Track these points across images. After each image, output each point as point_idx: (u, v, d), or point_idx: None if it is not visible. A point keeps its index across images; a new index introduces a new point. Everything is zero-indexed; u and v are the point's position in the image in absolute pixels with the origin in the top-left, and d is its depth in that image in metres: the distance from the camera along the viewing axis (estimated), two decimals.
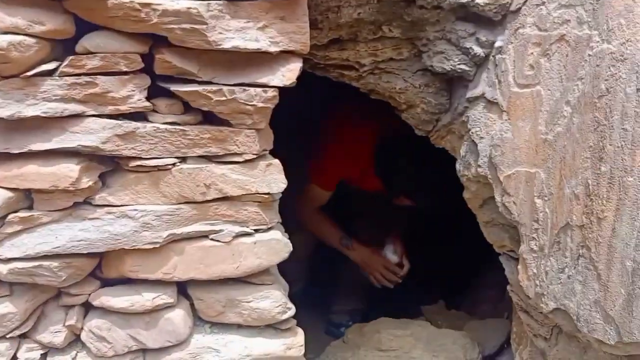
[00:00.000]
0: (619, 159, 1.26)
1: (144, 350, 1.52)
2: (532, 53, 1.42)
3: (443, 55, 1.59)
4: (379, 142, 2.34)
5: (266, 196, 1.48)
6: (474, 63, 1.58)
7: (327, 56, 1.71)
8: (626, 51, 1.23)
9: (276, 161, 1.49)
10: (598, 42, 1.28)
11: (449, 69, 1.59)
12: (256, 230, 1.51)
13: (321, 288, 2.85)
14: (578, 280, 1.40)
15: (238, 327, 1.57)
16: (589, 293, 1.37)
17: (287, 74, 1.40)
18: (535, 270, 1.52)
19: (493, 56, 1.52)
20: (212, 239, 1.48)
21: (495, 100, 1.52)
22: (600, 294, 1.34)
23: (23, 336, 1.44)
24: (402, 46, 1.66)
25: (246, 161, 1.45)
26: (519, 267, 1.58)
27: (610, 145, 1.28)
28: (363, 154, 2.34)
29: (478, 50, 1.54)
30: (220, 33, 1.32)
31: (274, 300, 1.54)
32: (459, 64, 1.58)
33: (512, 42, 1.46)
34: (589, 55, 1.30)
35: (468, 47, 1.55)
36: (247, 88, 1.38)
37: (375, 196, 2.65)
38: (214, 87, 1.37)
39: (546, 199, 1.45)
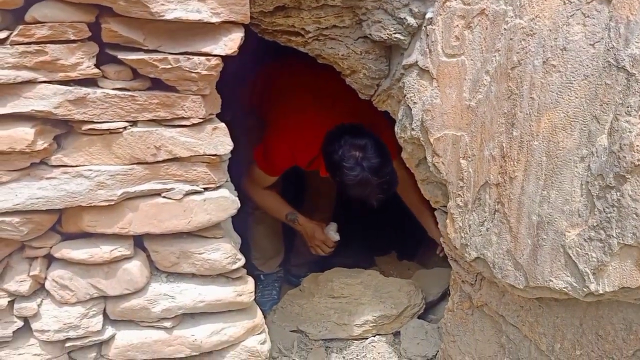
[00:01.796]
0: (527, 125, 1.40)
1: (105, 298, 1.66)
2: (457, 25, 1.53)
3: (380, 25, 1.69)
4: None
5: (214, 157, 1.59)
6: (408, 32, 1.68)
7: (273, 22, 1.79)
8: (535, 26, 1.35)
9: (222, 125, 1.60)
10: (512, 17, 1.39)
11: (386, 38, 1.70)
12: (205, 189, 1.63)
13: None
14: (494, 232, 1.55)
15: (192, 276, 1.72)
16: (503, 244, 1.53)
17: (229, 43, 1.49)
18: (460, 224, 1.67)
19: (424, 27, 1.62)
20: (164, 197, 1.60)
21: (426, 68, 1.63)
22: (512, 244, 1.50)
23: None
24: (344, 14, 1.74)
25: (193, 125, 1.55)
26: (447, 221, 1.73)
27: (520, 112, 1.41)
28: (309, 146, 2.32)
29: (411, 20, 1.64)
30: (163, 4, 1.40)
31: (224, 252, 1.68)
32: (394, 33, 1.68)
33: (440, 14, 1.56)
34: (505, 29, 1.42)
35: (402, 17, 1.65)
36: (191, 57, 1.47)
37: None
38: (160, 56, 1.45)
39: (469, 159, 1.59)
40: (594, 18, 1.24)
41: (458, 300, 1.93)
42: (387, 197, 2.26)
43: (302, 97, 2.36)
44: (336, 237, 2.66)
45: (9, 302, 1.56)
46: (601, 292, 1.30)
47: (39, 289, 1.62)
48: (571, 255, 1.34)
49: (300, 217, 2.63)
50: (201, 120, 1.55)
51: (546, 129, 1.36)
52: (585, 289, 1.33)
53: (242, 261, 1.73)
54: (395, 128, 1.85)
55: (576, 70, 1.29)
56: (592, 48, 1.25)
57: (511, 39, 1.40)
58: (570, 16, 1.29)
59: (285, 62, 2.50)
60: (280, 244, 2.91)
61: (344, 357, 2.24)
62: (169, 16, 1.41)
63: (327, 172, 2.34)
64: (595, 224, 1.28)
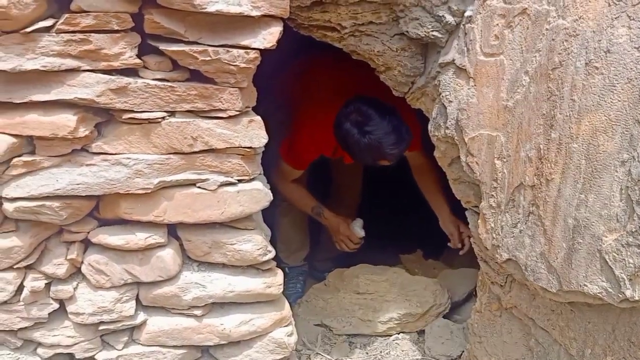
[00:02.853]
0: (567, 127, 1.38)
1: (138, 284, 1.70)
2: (497, 24, 1.52)
3: (418, 22, 1.68)
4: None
5: (248, 150, 1.61)
6: (446, 30, 1.67)
7: (310, 17, 1.80)
8: (578, 27, 1.33)
9: (258, 118, 1.62)
10: (555, 17, 1.38)
11: (423, 35, 1.69)
12: (239, 181, 1.65)
13: None
14: (528, 234, 1.54)
15: (223, 266, 1.74)
16: (536, 246, 1.52)
17: (268, 37, 1.50)
18: (492, 225, 1.66)
19: (463, 25, 1.61)
20: (199, 187, 1.62)
21: (463, 67, 1.62)
22: (546, 247, 1.49)
23: (29, 267, 1.61)
24: (381, 11, 1.74)
25: (230, 117, 1.57)
26: (479, 221, 1.72)
27: (560, 114, 1.40)
28: (332, 134, 2.30)
29: (450, 18, 1.63)
30: None
31: (255, 244, 1.70)
32: (432, 31, 1.67)
33: (480, 13, 1.55)
34: (547, 29, 1.40)
35: (441, 15, 1.64)
36: (230, 49, 1.49)
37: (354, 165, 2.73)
38: (200, 48, 1.47)
39: (505, 160, 1.58)
40: (639, 21, 1.22)
41: (486, 302, 1.92)
42: (399, 157, 2.24)
43: (328, 90, 2.37)
44: (361, 233, 2.67)
45: (45, 284, 1.61)
46: (637, 298, 1.28)
47: (75, 272, 1.66)
48: (607, 260, 1.33)
49: (326, 211, 2.65)
50: (238, 112, 1.57)
51: (586, 132, 1.35)
52: (620, 295, 1.31)
53: (273, 253, 1.74)
54: (429, 126, 1.84)
55: (619, 73, 1.27)
56: (636, 51, 1.23)
57: (553, 39, 1.39)
58: (615, 18, 1.27)
59: (314, 57, 2.51)
60: (305, 238, 2.93)
61: (367, 353, 2.25)
62: (211, 8, 1.43)
63: (350, 159, 2.36)
64: (633, 230, 1.26)
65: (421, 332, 2.33)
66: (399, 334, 2.33)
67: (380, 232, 3.14)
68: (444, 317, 2.38)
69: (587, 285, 1.39)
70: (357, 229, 2.67)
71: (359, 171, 2.99)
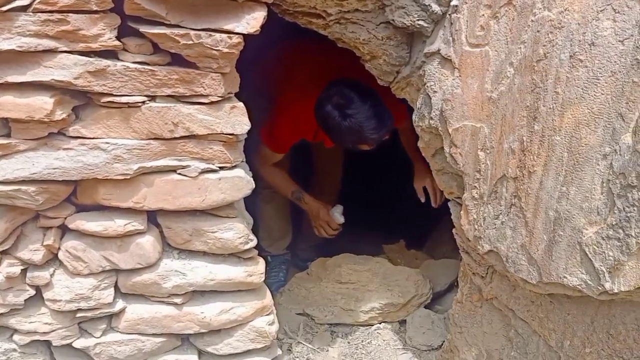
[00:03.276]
0: (550, 119, 1.38)
1: (117, 271, 1.67)
2: (483, 14, 1.50)
3: (404, 10, 1.66)
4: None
5: (230, 136, 1.59)
6: (432, 20, 1.65)
7: (295, 3, 1.76)
8: (563, 19, 1.32)
9: (240, 104, 1.59)
10: (540, 8, 1.37)
11: (409, 24, 1.67)
12: (221, 168, 1.63)
13: None
14: (509, 226, 1.54)
15: (204, 254, 1.72)
16: (517, 238, 1.52)
17: (252, 22, 1.48)
18: (475, 216, 1.66)
19: (449, 14, 1.60)
20: (179, 174, 1.60)
21: (448, 57, 1.61)
22: (527, 239, 1.49)
23: (4, 253, 1.58)
24: None
25: (212, 103, 1.54)
26: (461, 212, 1.72)
27: (543, 106, 1.39)
28: (312, 117, 2.28)
29: (436, 7, 1.62)
30: None
31: (236, 232, 1.68)
32: (418, 20, 1.66)
33: (466, 3, 1.54)
34: (532, 20, 1.39)
35: (427, 4, 1.62)
36: (213, 33, 1.46)
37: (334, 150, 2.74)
38: (182, 31, 1.44)
39: (488, 152, 1.58)
40: (624, 14, 1.22)
41: (467, 292, 1.93)
42: (379, 141, 2.23)
43: (310, 74, 2.36)
44: (341, 219, 2.67)
45: (21, 270, 1.58)
46: (616, 291, 1.29)
47: (52, 259, 1.63)
48: (587, 252, 1.33)
49: (306, 196, 2.64)
50: (220, 98, 1.54)
51: (569, 125, 1.34)
52: (599, 287, 1.32)
53: (254, 242, 1.73)
54: (413, 116, 1.83)
55: (603, 66, 1.26)
56: (621, 45, 1.23)
57: (538, 31, 1.38)
58: (601, 11, 1.26)
59: (297, 42, 2.48)
60: (287, 226, 2.91)
61: (349, 342, 2.25)
62: None
63: (331, 142, 2.35)
64: (614, 223, 1.26)
65: (402, 322, 2.34)
66: (380, 323, 2.33)
67: (363, 221, 3.16)
68: (426, 307, 2.39)
69: (567, 277, 1.39)
70: (337, 214, 2.66)
71: (340, 157, 2.99)
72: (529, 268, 1.50)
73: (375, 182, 3.55)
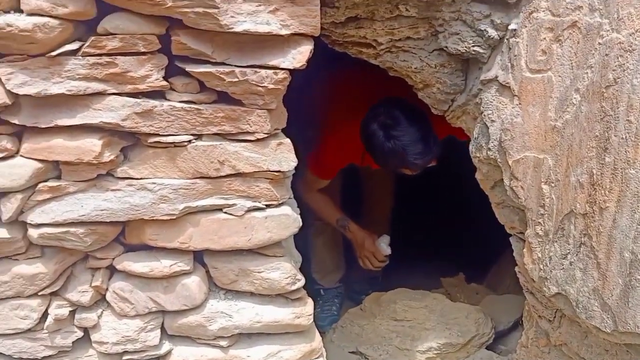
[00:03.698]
0: (623, 150, 1.26)
1: (164, 312, 1.64)
2: (544, 38, 1.41)
3: (458, 37, 1.58)
4: None
5: (277, 174, 1.54)
6: (488, 45, 1.56)
7: (345, 34, 1.73)
8: (635, 42, 1.21)
9: (287, 140, 1.55)
10: (608, 30, 1.26)
11: (463, 51, 1.59)
12: (267, 206, 1.58)
13: None
14: (579, 267, 1.41)
15: (251, 294, 1.67)
16: (589, 281, 1.39)
17: (298, 56, 1.43)
18: (539, 255, 1.54)
19: (507, 39, 1.51)
20: (225, 213, 1.56)
21: (507, 84, 1.51)
22: (599, 282, 1.36)
23: (54, 294, 1.58)
24: (419, 25, 1.65)
25: (258, 140, 1.50)
26: (524, 250, 1.60)
27: (615, 136, 1.27)
28: (359, 140, 2.23)
29: (492, 32, 1.53)
30: (232, 16, 1.36)
31: (283, 272, 1.62)
32: (473, 46, 1.57)
33: (526, 26, 1.44)
34: (599, 43, 1.28)
35: (483, 29, 1.54)
36: (258, 70, 1.43)
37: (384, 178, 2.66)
38: (227, 69, 1.42)
39: (553, 185, 1.46)
40: None
41: (533, 336, 1.79)
42: (423, 168, 2.14)
43: (356, 98, 2.30)
44: (387, 250, 2.55)
45: (70, 312, 1.57)
46: None
47: (100, 300, 1.62)
48: None
49: (351, 224, 2.55)
50: (266, 135, 1.50)
51: None
52: None
53: (302, 282, 1.66)
54: (470, 147, 1.73)
55: None
56: None
57: (606, 54, 1.27)
58: None
59: (343, 70, 2.43)
60: (340, 259, 2.83)
61: None
62: (238, 28, 1.37)
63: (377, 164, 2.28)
64: None
65: None
66: None
67: (420, 251, 3.04)
68: (488, 347, 2.23)
69: None
70: (383, 245, 2.54)
71: (390, 185, 2.89)
72: (602, 315, 1.37)
73: (430, 209, 3.42)
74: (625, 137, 1.25)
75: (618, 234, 1.30)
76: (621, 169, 1.27)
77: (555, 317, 1.65)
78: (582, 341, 1.55)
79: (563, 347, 1.63)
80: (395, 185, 2.92)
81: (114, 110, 1.42)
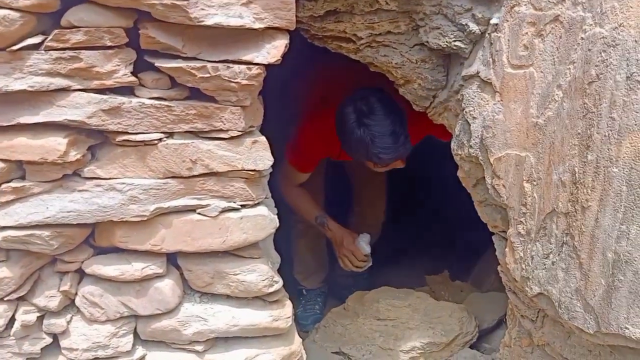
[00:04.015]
0: (605, 148, 1.23)
1: (136, 317, 1.59)
2: (526, 33, 1.36)
3: (439, 31, 1.54)
4: None
5: (252, 173, 1.49)
6: (470, 40, 1.52)
7: (324, 27, 1.68)
8: (618, 36, 1.17)
9: (262, 138, 1.50)
10: (591, 25, 1.22)
11: (445, 46, 1.55)
12: (243, 206, 1.53)
13: None
14: (561, 267, 1.38)
15: (226, 297, 1.62)
16: (571, 281, 1.36)
17: (272, 51, 1.38)
18: (521, 254, 1.50)
19: (489, 34, 1.46)
20: (199, 213, 1.51)
21: (489, 80, 1.47)
22: (582, 282, 1.33)
23: (20, 299, 1.52)
24: (399, 20, 1.61)
25: (232, 138, 1.45)
26: (506, 249, 1.57)
27: (597, 133, 1.24)
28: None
29: (474, 27, 1.49)
30: (203, 9, 1.31)
31: (260, 274, 1.58)
32: (454, 41, 1.53)
33: (507, 20, 1.40)
34: (582, 38, 1.24)
35: (464, 23, 1.49)
36: (231, 65, 1.37)
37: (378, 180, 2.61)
38: (198, 64, 1.37)
39: (535, 183, 1.42)
40: None
41: (516, 336, 1.75)
42: (387, 163, 2.10)
43: (337, 87, 2.24)
44: (367, 249, 2.44)
45: (37, 317, 1.51)
46: None
47: (69, 305, 1.56)
48: None
49: (330, 222, 2.45)
50: (240, 133, 1.45)
51: (628, 155, 1.19)
52: None
53: (280, 284, 1.62)
54: (452, 144, 1.69)
55: None
56: None
57: (589, 49, 1.23)
58: None
59: (327, 59, 2.38)
60: (323, 259, 2.79)
61: None
62: (209, 21, 1.32)
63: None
64: None
65: None
66: None
67: (405, 250, 3.01)
68: (472, 346, 2.21)
69: (628, 328, 1.25)
70: (362, 243, 2.42)
71: (383, 185, 2.85)
72: (585, 316, 1.34)
73: (414, 206, 3.39)
74: (608, 134, 1.21)
75: (600, 233, 1.26)
76: (604, 167, 1.23)
77: (537, 317, 1.62)
78: (565, 341, 1.52)
79: (546, 348, 1.60)
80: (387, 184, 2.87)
81: (79, 107, 1.36)
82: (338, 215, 2.58)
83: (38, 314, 1.51)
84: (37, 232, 1.42)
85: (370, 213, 2.85)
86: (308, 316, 2.60)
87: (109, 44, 1.34)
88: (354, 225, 2.66)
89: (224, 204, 1.50)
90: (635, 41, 1.15)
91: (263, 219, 1.54)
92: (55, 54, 1.32)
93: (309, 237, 2.64)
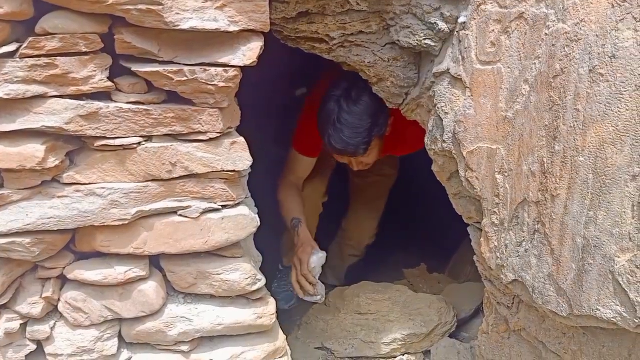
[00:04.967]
0: (572, 139, 1.28)
1: (120, 320, 1.60)
2: (493, 30, 1.41)
3: (409, 30, 1.58)
4: None
5: (232, 173, 1.51)
6: (439, 38, 1.57)
7: (296, 29, 1.70)
8: (580, 31, 1.22)
9: (241, 139, 1.52)
10: (554, 21, 1.27)
11: (415, 44, 1.59)
12: (224, 206, 1.55)
13: None
14: (534, 254, 1.44)
15: (210, 297, 1.64)
16: (544, 267, 1.41)
17: (248, 53, 1.41)
18: (496, 243, 1.56)
19: (457, 32, 1.51)
20: (180, 215, 1.53)
21: (459, 77, 1.52)
22: (554, 268, 1.38)
23: (3, 307, 1.51)
24: (371, 19, 1.64)
25: (211, 140, 1.47)
26: (481, 239, 1.62)
27: (563, 125, 1.29)
28: None
29: (443, 25, 1.53)
30: (178, 13, 1.32)
31: (243, 273, 1.60)
32: (424, 39, 1.57)
33: (474, 19, 1.45)
34: (546, 34, 1.30)
35: (433, 22, 1.54)
36: (207, 68, 1.39)
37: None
38: (175, 68, 1.38)
39: (506, 175, 1.47)
40: None
41: (493, 323, 1.81)
42: (333, 152, 2.12)
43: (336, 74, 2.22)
44: (314, 268, 2.13)
45: (21, 325, 1.51)
46: None
47: (52, 311, 1.56)
48: (621, 282, 1.23)
49: (302, 228, 2.31)
50: (219, 134, 1.47)
51: (593, 144, 1.25)
52: (636, 320, 1.22)
53: (263, 282, 1.64)
54: (425, 139, 1.74)
55: (627, 80, 1.17)
56: None
57: (553, 45, 1.28)
58: (620, 20, 1.17)
59: None
60: None
61: None
62: (185, 26, 1.34)
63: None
64: None
65: (427, 353, 2.22)
66: (403, 355, 2.22)
67: (384, 245, 3.05)
68: (451, 335, 2.26)
69: (599, 310, 1.29)
70: (314, 258, 2.14)
71: (379, 207, 2.85)
72: (558, 299, 1.39)
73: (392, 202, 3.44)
74: (574, 125, 1.27)
75: (570, 220, 1.32)
76: (570, 156, 1.29)
77: (513, 303, 1.67)
78: (540, 325, 1.58)
79: (522, 332, 1.66)
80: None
81: (57, 114, 1.37)
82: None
83: (21, 321, 1.51)
84: (17, 239, 1.41)
85: (357, 235, 2.89)
86: (281, 292, 2.56)
87: (85, 50, 1.35)
88: (337, 239, 2.67)
89: (204, 205, 1.52)
90: (597, 35, 1.20)
91: (244, 219, 1.56)
92: (30, 61, 1.32)
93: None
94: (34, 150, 1.36)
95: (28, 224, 1.41)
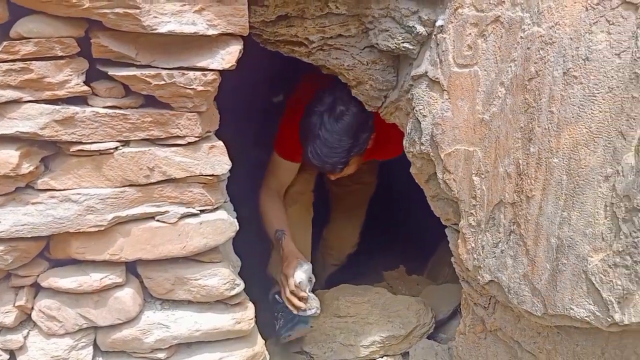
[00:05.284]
0: (546, 140, 1.31)
1: (95, 328, 1.57)
2: (470, 33, 1.44)
3: (388, 34, 1.60)
4: None
5: (211, 178, 1.50)
6: (417, 41, 1.59)
7: (276, 32, 1.70)
8: (554, 35, 1.25)
9: (220, 143, 1.51)
10: (529, 24, 1.30)
11: (394, 47, 1.60)
12: (202, 211, 1.54)
13: None
14: (509, 254, 1.46)
15: (189, 303, 1.62)
16: (519, 267, 1.43)
17: (227, 56, 1.40)
18: (473, 244, 1.58)
19: (435, 35, 1.53)
20: (158, 220, 1.51)
21: (437, 80, 1.54)
22: (529, 268, 1.41)
23: None
24: (349, 23, 1.65)
25: (189, 144, 1.46)
26: (459, 241, 1.64)
27: (538, 127, 1.32)
28: None
29: (420, 29, 1.55)
30: (155, 17, 1.31)
31: (221, 278, 1.59)
32: (402, 42, 1.59)
33: (452, 22, 1.47)
34: (521, 37, 1.32)
35: (411, 25, 1.55)
36: (186, 72, 1.38)
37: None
38: (153, 72, 1.37)
39: (483, 176, 1.50)
40: (619, 25, 1.15)
41: (470, 323, 1.83)
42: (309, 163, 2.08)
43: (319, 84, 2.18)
44: (301, 281, 2.05)
45: None
46: (626, 322, 1.20)
47: (26, 320, 1.53)
48: (594, 282, 1.25)
49: (286, 240, 2.23)
50: (197, 138, 1.46)
51: (567, 145, 1.27)
52: (609, 319, 1.23)
53: (241, 286, 1.63)
54: (404, 142, 1.75)
55: (600, 82, 1.19)
56: (617, 58, 1.16)
57: (528, 48, 1.31)
58: (593, 24, 1.19)
59: None
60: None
61: None
62: (162, 29, 1.33)
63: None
64: (620, 249, 1.18)
65: (405, 354, 2.24)
66: (382, 357, 2.23)
67: (364, 249, 3.06)
68: (429, 336, 2.29)
69: (573, 309, 1.31)
70: (299, 272, 2.06)
71: (360, 218, 2.84)
72: (532, 299, 1.41)
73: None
74: (548, 127, 1.29)
75: (544, 220, 1.34)
76: (545, 158, 1.31)
77: (489, 303, 1.70)
78: (516, 325, 1.60)
79: (498, 332, 1.68)
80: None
81: (31, 119, 1.34)
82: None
83: None
84: None
85: (337, 244, 2.88)
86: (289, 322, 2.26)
87: (60, 54, 1.32)
88: (319, 248, 2.65)
89: (182, 210, 1.51)
90: (571, 39, 1.23)
91: (223, 223, 1.55)
92: (4, 65, 1.29)
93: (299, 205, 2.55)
94: (8, 156, 1.33)
95: (1, 231, 1.38)
